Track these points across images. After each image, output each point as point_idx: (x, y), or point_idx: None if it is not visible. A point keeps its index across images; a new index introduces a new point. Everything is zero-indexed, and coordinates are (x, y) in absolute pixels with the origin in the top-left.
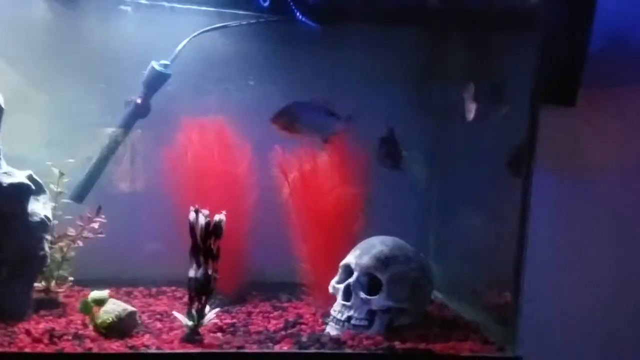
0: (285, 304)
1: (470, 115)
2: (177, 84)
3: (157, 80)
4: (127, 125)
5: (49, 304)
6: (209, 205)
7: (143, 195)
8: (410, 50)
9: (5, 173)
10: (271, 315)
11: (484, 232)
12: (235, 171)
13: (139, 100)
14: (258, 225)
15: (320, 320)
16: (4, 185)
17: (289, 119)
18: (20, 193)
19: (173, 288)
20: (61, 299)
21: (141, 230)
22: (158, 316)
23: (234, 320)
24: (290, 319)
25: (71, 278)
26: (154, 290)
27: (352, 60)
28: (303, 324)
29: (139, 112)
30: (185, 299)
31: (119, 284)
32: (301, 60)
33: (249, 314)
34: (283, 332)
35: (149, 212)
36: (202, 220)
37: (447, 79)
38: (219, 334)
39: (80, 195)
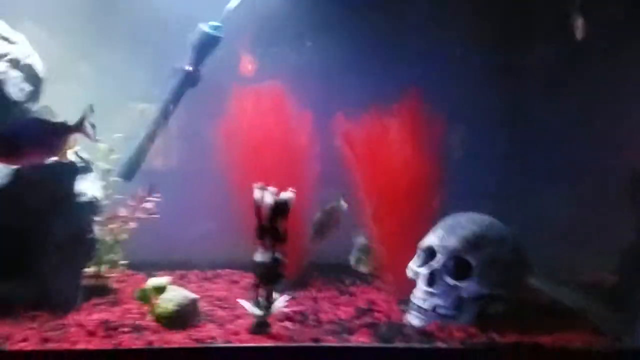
0: (352, 288)
1: (580, 32)
2: (229, 47)
3: (207, 45)
4: (177, 96)
5: (100, 290)
6: (266, 181)
7: (194, 171)
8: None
9: None
10: (339, 300)
11: (586, 209)
12: (294, 142)
13: (188, 68)
14: (319, 201)
15: (395, 307)
16: (49, 163)
17: (4, 149)
18: (66, 172)
19: (229, 270)
20: (113, 284)
21: (193, 209)
22: (218, 302)
23: (302, 308)
24: (362, 306)
25: (123, 262)
26: (209, 273)
27: (417, 20)
28: (377, 311)
29: (189, 81)
30: (243, 283)
31: (172, 267)
32: (364, 19)
33: (315, 299)
34: (357, 321)
35: (201, 189)
36: (269, 199)
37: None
38: (288, 324)
39: (129, 172)
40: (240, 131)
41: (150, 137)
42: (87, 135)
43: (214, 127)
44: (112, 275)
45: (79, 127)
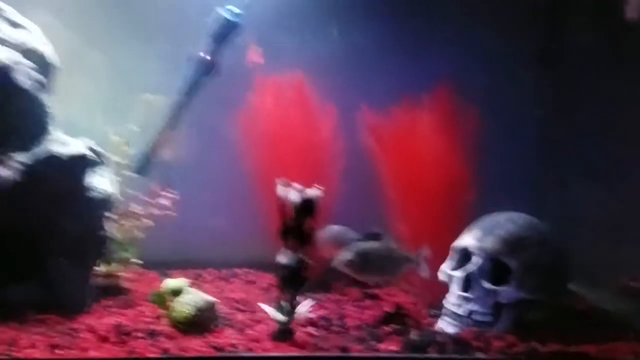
0: (376, 290)
1: (633, 10)
2: (248, 35)
3: (225, 31)
4: (193, 86)
5: (112, 290)
6: (286, 177)
7: (210, 166)
8: None
9: (61, 142)
10: (364, 304)
11: (631, 207)
12: (317, 136)
13: (205, 56)
14: (344, 198)
15: (424, 312)
16: (60, 156)
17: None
18: (78, 166)
19: (245, 269)
20: (125, 284)
21: (208, 205)
22: (236, 304)
23: (325, 312)
24: (388, 310)
25: (136, 260)
26: (224, 272)
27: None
28: (405, 315)
29: (206, 70)
30: (261, 283)
31: (186, 266)
32: (391, 3)
33: (338, 302)
34: (385, 327)
35: (218, 185)
36: (294, 197)
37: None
38: (312, 329)
39: (143, 167)
40: (259, 124)
41: (166, 131)
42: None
43: (232, 120)
44: (124, 274)
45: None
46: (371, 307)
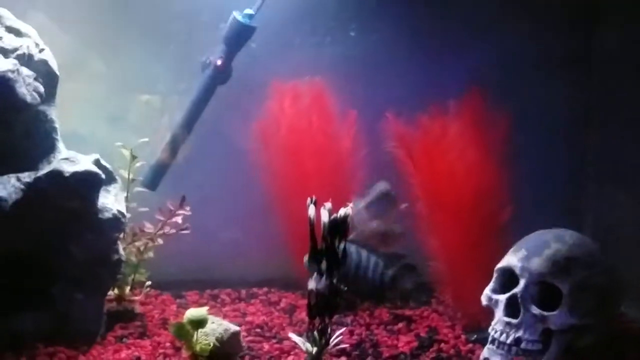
0: (407, 311)
1: None
2: (263, 39)
3: (240, 35)
4: (206, 94)
5: (124, 315)
6: (305, 190)
7: (226, 179)
8: None
9: (67, 159)
10: (397, 328)
11: None
12: (338, 146)
13: (218, 62)
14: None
15: (463, 337)
16: (67, 175)
17: None
18: (87, 185)
19: (265, 289)
20: (138, 308)
21: (223, 220)
22: (259, 331)
23: (357, 338)
24: (423, 335)
25: (149, 282)
26: (243, 292)
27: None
28: (442, 341)
29: (219, 77)
30: (283, 304)
31: (202, 286)
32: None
33: (368, 326)
34: (423, 356)
35: (232, 198)
36: (325, 217)
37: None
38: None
39: (153, 182)
40: (276, 133)
41: (176, 141)
42: None
43: (247, 130)
44: (137, 298)
45: None
46: (404, 332)
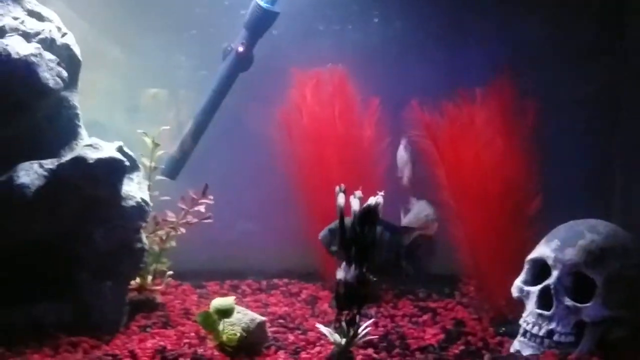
0: (430, 303)
1: None
2: (285, 25)
3: (262, 21)
4: (227, 81)
5: (146, 305)
6: (327, 178)
7: (246, 167)
8: None
9: (90, 146)
10: (422, 319)
11: None
12: (361, 134)
13: (240, 48)
14: (389, 199)
15: (490, 329)
16: (90, 161)
17: None
18: (111, 171)
19: (285, 280)
20: (159, 298)
21: (244, 210)
22: (282, 321)
23: (382, 330)
24: (450, 327)
25: (170, 272)
26: (263, 283)
27: None
28: (469, 333)
29: (241, 64)
30: (304, 295)
31: (222, 276)
32: None
33: (393, 318)
34: (452, 349)
35: (254, 189)
36: (355, 206)
37: None
38: (372, 352)
39: (174, 170)
40: (298, 121)
41: (197, 130)
42: None
43: (269, 117)
44: (158, 287)
45: None
46: (430, 324)
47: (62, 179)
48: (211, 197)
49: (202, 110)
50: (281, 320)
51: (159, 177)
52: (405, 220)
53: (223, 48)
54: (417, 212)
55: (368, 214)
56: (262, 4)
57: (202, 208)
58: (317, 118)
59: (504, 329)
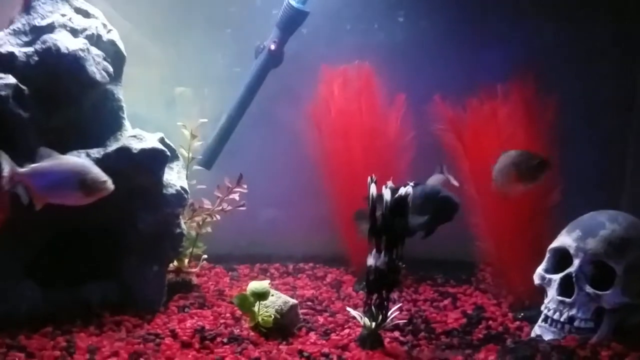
0: (449, 289)
1: None
2: (314, 25)
3: (294, 20)
4: (259, 78)
5: (183, 286)
6: (353, 170)
7: (275, 158)
8: None
9: (134, 137)
10: (443, 304)
11: None
12: (386, 128)
13: (272, 46)
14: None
15: (510, 314)
16: (135, 151)
17: None
18: (154, 161)
19: (311, 264)
20: (194, 280)
21: (273, 198)
22: (310, 304)
23: (407, 314)
24: (470, 312)
25: (205, 256)
26: (290, 266)
27: None
28: (489, 318)
29: (273, 61)
30: (329, 279)
31: (252, 260)
32: None
33: (415, 302)
34: (475, 333)
35: (283, 178)
36: (387, 195)
37: None
38: (398, 334)
39: (209, 161)
40: (326, 115)
41: (231, 123)
42: None
43: (298, 111)
44: (194, 270)
45: None
46: (450, 309)
47: (108, 168)
48: (245, 186)
49: (235, 105)
50: (309, 303)
51: (196, 167)
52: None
53: (256, 46)
54: (434, 180)
55: (399, 204)
56: (294, 3)
57: (236, 196)
58: (344, 112)
59: (522, 314)
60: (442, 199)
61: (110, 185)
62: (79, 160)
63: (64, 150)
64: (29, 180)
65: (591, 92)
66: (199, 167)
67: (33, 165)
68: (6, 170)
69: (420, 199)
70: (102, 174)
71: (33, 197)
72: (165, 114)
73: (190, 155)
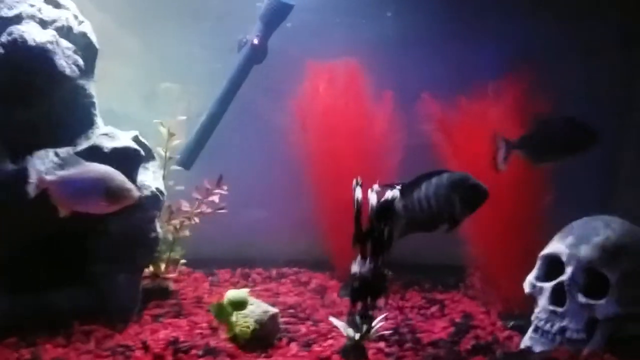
0: (437, 295)
1: None
2: (299, 18)
3: (277, 14)
4: (242, 73)
5: (159, 293)
6: (339, 171)
7: (258, 159)
8: None
9: (106, 135)
10: (430, 312)
11: None
12: (373, 127)
13: (255, 40)
14: None
15: (498, 323)
16: (106, 150)
17: None
18: (126, 160)
19: (295, 269)
20: (172, 286)
21: (255, 201)
22: (293, 312)
23: (393, 323)
24: (458, 320)
25: (183, 261)
26: (273, 272)
27: None
28: (478, 327)
29: (256, 56)
30: (313, 285)
31: (233, 264)
32: None
33: (401, 309)
34: (463, 343)
35: (267, 179)
36: (373, 199)
37: None
38: (383, 345)
39: (188, 160)
40: (310, 113)
41: (212, 121)
42: None
43: (282, 109)
44: (171, 275)
45: None
46: (438, 316)
47: None
48: (225, 188)
49: (217, 101)
50: (292, 310)
51: (173, 167)
52: None
53: (238, 40)
54: None
55: (385, 208)
56: None
57: (216, 198)
58: (330, 110)
59: (512, 323)
60: (471, 187)
61: (135, 193)
62: (104, 167)
63: (30, 150)
64: (55, 188)
65: (585, 94)
66: (178, 167)
67: (60, 172)
68: (33, 178)
69: (445, 189)
70: (126, 181)
71: (58, 204)
72: (144, 110)
73: (168, 154)
